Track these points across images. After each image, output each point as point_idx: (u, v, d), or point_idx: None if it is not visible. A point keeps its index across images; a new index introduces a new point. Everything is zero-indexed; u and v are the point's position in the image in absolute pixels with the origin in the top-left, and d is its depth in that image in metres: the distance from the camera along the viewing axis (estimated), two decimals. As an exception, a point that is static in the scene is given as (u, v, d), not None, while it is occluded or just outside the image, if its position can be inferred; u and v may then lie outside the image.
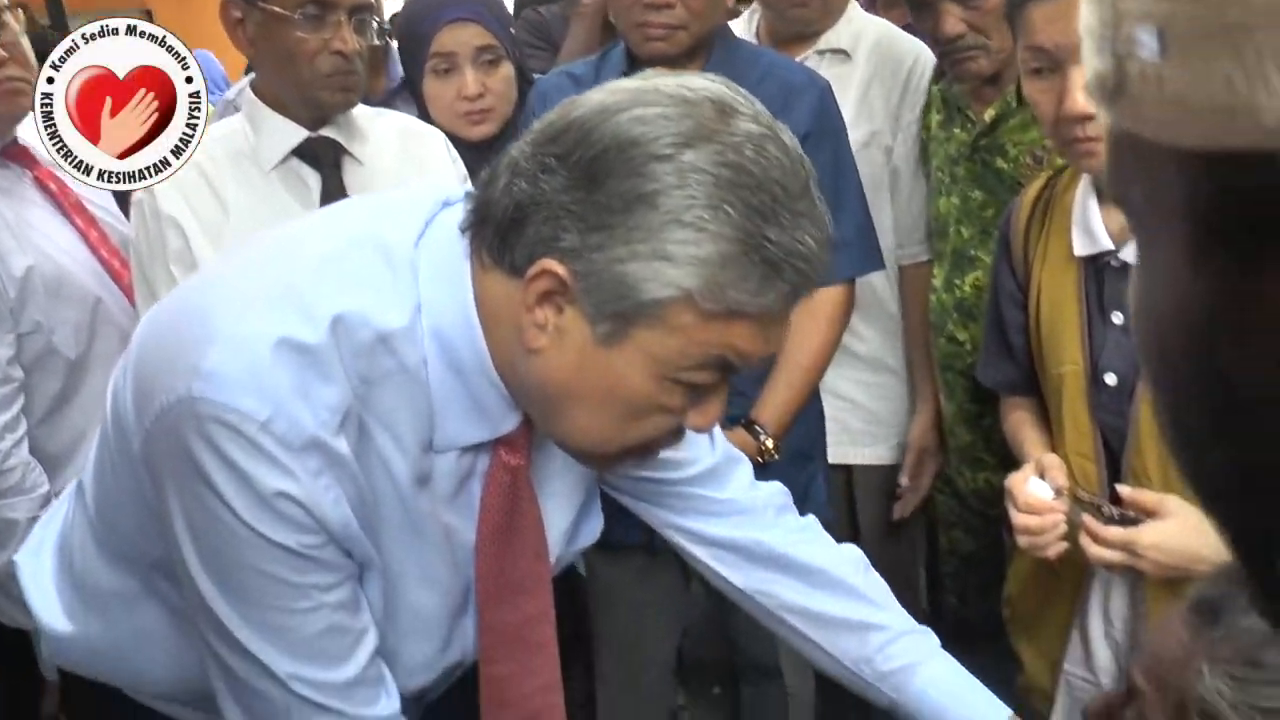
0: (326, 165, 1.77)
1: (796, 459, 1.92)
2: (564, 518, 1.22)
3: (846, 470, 2.30)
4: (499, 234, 0.96)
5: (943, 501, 2.29)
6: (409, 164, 1.85)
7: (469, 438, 1.06)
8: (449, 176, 1.89)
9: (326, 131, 1.77)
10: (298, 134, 1.75)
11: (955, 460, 2.18)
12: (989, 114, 1.99)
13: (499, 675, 1.18)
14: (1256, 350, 0.33)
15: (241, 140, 1.75)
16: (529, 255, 0.94)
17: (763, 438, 1.84)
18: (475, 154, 2.05)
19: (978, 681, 1.31)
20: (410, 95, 2.24)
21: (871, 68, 2.19)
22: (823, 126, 1.83)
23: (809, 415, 1.98)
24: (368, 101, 1.91)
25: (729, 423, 1.78)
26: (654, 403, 0.97)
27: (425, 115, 2.10)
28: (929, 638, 1.34)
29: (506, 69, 2.11)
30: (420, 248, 1.02)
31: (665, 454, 1.16)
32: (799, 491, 1.95)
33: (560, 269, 0.92)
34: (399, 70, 2.60)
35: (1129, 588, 1.57)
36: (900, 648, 1.31)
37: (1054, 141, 1.51)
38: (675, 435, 1.04)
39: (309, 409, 0.95)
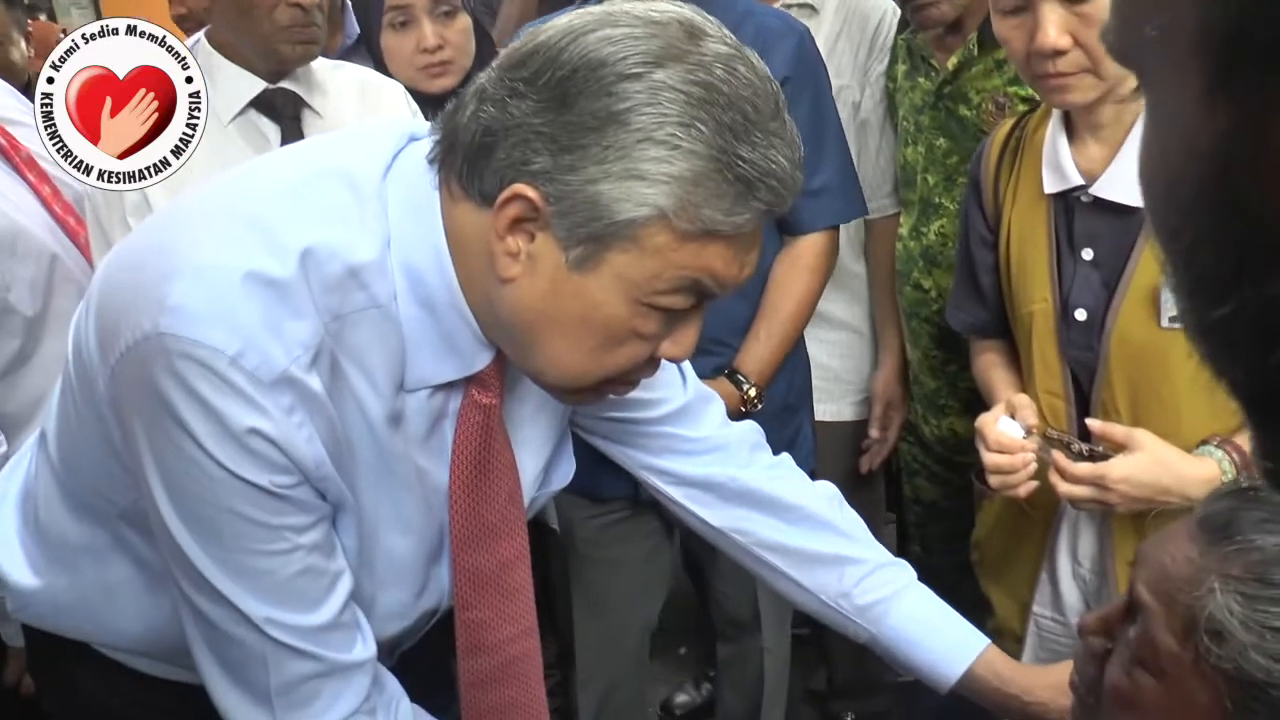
0: (286, 117, 1.74)
1: (783, 411, 1.91)
2: (536, 461, 1.20)
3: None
4: (468, 161, 0.95)
5: (906, 450, 2.30)
6: (369, 117, 1.82)
7: (440, 375, 1.04)
8: (411, 129, 1.86)
9: (285, 84, 1.74)
10: (255, 85, 1.72)
11: (920, 408, 2.19)
12: (952, 62, 1.99)
13: (475, 621, 1.16)
14: (1272, 177, 0.32)
15: None
16: (499, 181, 0.93)
17: (746, 387, 1.83)
18: (436, 108, 2.02)
19: (955, 612, 1.32)
20: (367, 51, 2.20)
21: (839, 22, 2.19)
22: (802, 72, 1.80)
23: (795, 366, 1.97)
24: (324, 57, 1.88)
25: (712, 373, 1.77)
26: (629, 328, 0.96)
27: (382, 71, 2.06)
28: (906, 570, 1.34)
29: (464, 20, 2.08)
30: (388, 180, 0.99)
31: (637, 394, 1.15)
32: (785, 443, 1.94)
33: (532, 192, 0.91)
34: (355, 27, 2.56)
35: (1097, 527, 1.58)
36: (877, 580, 1.31)
37: (1026, 78, 1.51)
38: (650, 365, 1.03)
39: (280, 344, 0.92)
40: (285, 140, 1.73)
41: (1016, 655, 1.70)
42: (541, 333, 0.97)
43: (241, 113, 1.71)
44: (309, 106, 1.76)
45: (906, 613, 1.29)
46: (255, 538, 0.97)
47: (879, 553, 1.34)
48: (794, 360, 1.94)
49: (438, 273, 0.99)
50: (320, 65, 1.80)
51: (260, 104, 1.72)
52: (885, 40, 2.19)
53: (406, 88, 1.94)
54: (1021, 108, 1.90)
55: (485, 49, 2.12)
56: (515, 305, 0.96)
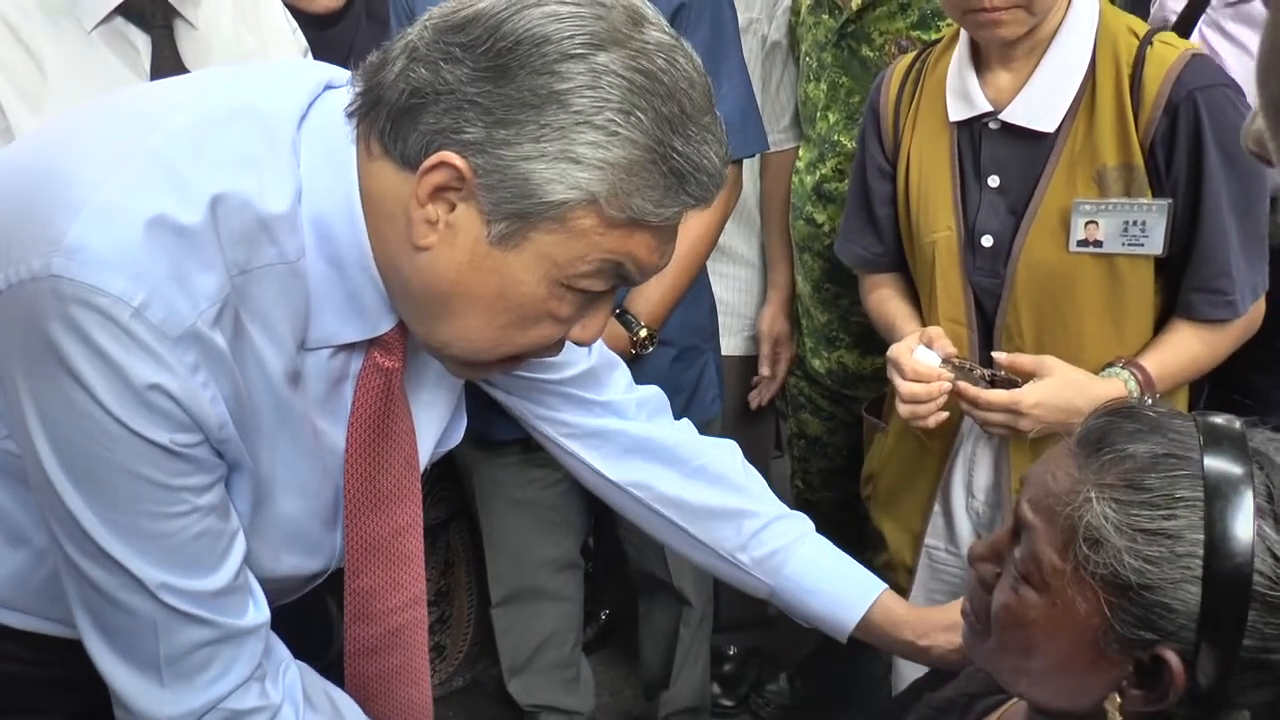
0: (156, 26, 1.61)
1: (686, 352, 1.88)
2: (436, 425, 1.17)
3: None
4: (392, 120, 0.91)
5: (793, 383, 2.31)
6: (246, 31, 1.71)
7: (343, 336, 0.99)
8: (290, 47, 1.75)
9: (155, -11, 1.61)
10: (122, -11, 1.58)
11: (810, 341, 2.19)
12: (856, 2, 1.97)
13: (364, 589, 1.13)
14: None
15: None
16: (424, 146, 0.89)
17: (636, 328, 1.79)
18: (317, 28, 1.92)
19: (852, 560, 1.32)
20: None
21: None
22: None
23: (698, 306, 1.93)
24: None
25: None
26: (544, 309, 0.94)
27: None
28: (803, 521, 1.33)
29: (349, -63, 1.98)
30: (303, 129, 0.95)
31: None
32: (690, 384, 1.89)
33: (460, 162, 0.88)
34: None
35: (993, 460, 1.60)
36: (774, 532, 1.30)
37: (954, 13, 1.48)
38: (556, 347, 1.01)
39: (187, 297, 0.87)
40: (156, 52, 1.61)
41: (908, 586, 1.72)
42: (452, 305, 0.94)
43: (107, 19, 1.58)
44: (181, 16, 1.64)
45: (802, 561, 1.29)
46: (153, 499, 0.91)
47: (776, 506, 1.33)
48: (695, 298, 1.90)
49: (349, 230, 0.94)
50: (192, -28, 1.68)
51: (128, 11, 1.60)
52: None
53: (287, 5, 1.83)
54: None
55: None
56: (428, 274, 0.93)
